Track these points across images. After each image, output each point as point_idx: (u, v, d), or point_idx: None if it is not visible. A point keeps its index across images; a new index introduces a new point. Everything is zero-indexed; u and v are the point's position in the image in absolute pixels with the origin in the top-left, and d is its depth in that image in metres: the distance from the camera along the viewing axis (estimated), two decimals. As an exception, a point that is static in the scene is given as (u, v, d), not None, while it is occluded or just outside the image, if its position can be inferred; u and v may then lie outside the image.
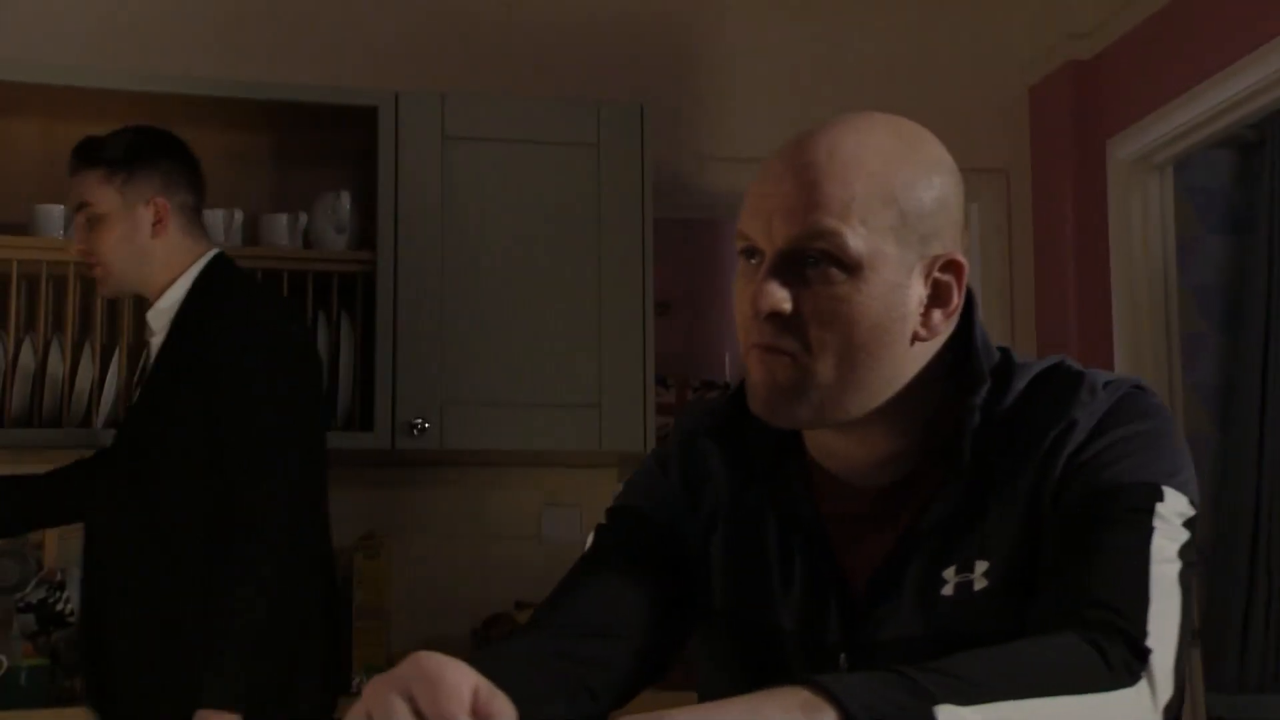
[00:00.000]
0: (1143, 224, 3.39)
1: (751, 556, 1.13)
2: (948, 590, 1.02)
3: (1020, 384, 1.07)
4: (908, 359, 1.04)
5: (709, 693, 1.15)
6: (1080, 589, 0.95)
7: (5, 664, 2.74)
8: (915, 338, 1.04)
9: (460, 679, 0.79)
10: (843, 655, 1.06)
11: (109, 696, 2.27)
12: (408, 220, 3.02)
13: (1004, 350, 1.11)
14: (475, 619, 3.14)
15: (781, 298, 1.00)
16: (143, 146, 2.34)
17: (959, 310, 1.05)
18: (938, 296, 1.04)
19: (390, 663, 3.02)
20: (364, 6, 3.36)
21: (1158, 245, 3.39)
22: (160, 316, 2.33)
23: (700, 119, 3.48)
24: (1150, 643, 0.92)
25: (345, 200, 3.07)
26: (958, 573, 1.02)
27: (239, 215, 3.05)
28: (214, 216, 3.01)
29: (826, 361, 1.01)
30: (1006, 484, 1.03)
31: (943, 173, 1.04)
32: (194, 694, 2.07)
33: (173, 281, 2.32)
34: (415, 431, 2.96)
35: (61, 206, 2.94)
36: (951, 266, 1.04)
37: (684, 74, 3.50)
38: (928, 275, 1.04)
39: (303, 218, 3.08)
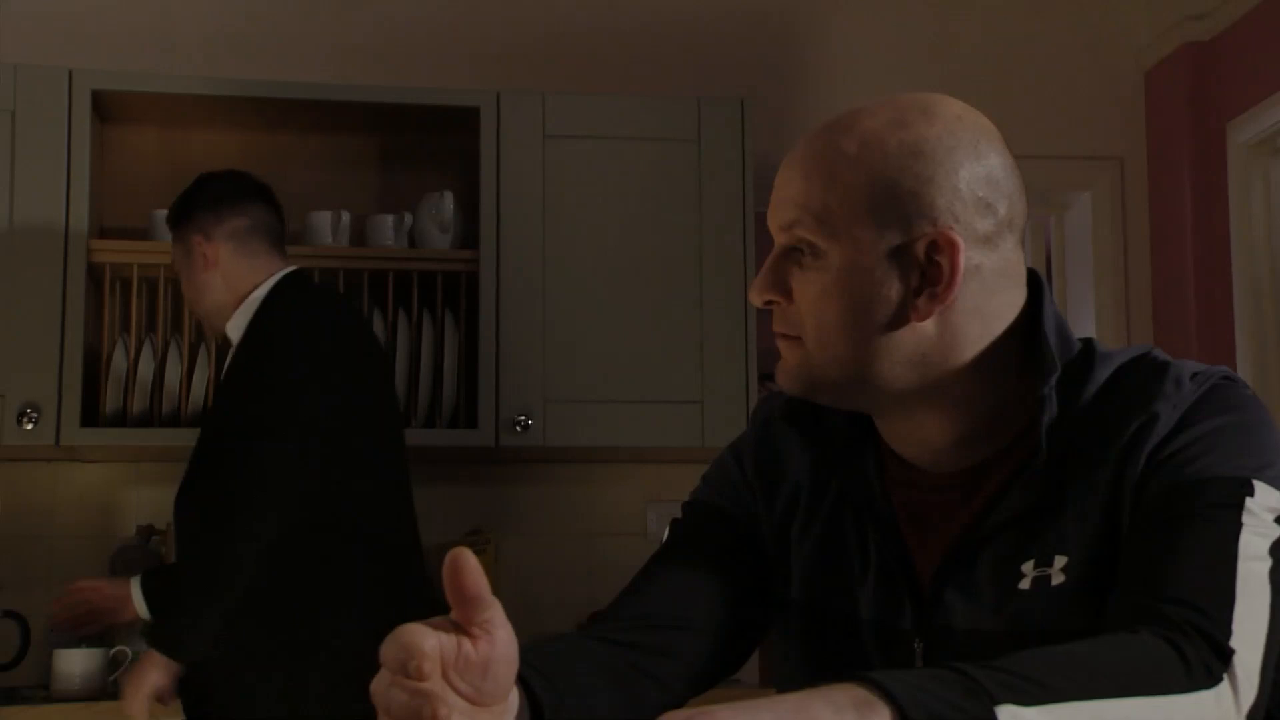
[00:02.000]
0: (1265, 210, 3.26)
1: (830, 543, 1.12)
2: (1025, 584, 1.00)
3: (1103, 374, 1.04)
4: (903, 340, 1.02)
5: (786, 685, 1.14)
6: (1160, 587, 0.91)
7: (130, 655, 2.84)
8: (906, 319, 1.01)
9: (420, 633, 0.77)
10: (918, 642, 1.05)
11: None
12: (510, 219, 3.05)
13: (1087, 341, 1.07)
14: (580, 615, 3.16)
15: (758, 291, 1.05)
16: (183, 200, 2.51)
17: (954, 287, 1.01)
18: (928, 276, 1.01)
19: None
20: (465, 9, 3.40)
21: (1282, 232, 3.27)
22: (235, 332, 2.44)
23: (802, 112, 3.44)
24: (1234, 643, 0.88)
25: (449, 200, 3.11)
26: (1036, 566, 1.00)
27: (346, 216, 3.11)
28: (321, 218, 3.08)
29: (811, 344, 1.04)
30: (1086, 478, 1.00)
31: (931, 152, 1.01)
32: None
33: (242, 301, 2.44)
34: (519, 428, 2.99)
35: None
36: (940, 245, 1.01)
37: (785, 67, 3.48)
38: (912, 255, 1.01)
39: (408, 218, 3.13)
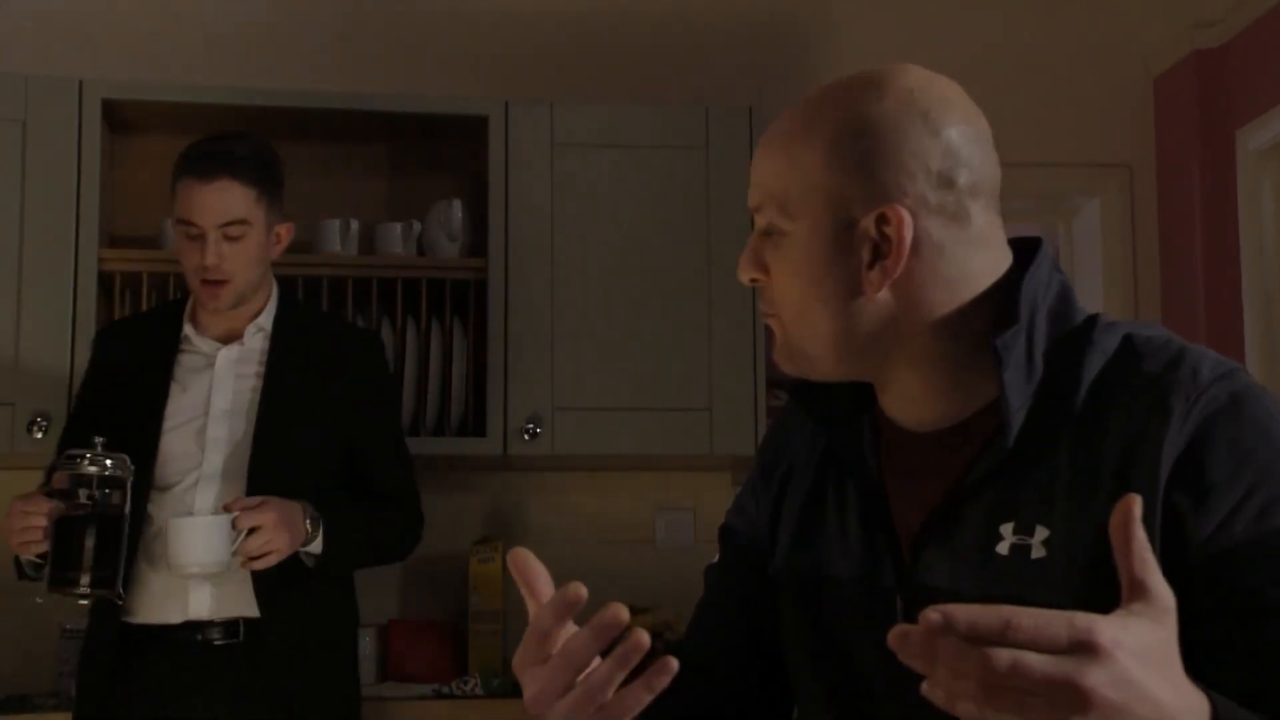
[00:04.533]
0: (1275, 217, 3.26)
1: (812, 504, 1.14)
2: (1003, 549, 0.99)
3: (1108, 343, 1.01)
4: (864, 311, 1.04)
5: (789, 654, 1.16)
6: None
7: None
8: (862, 292, 1.03)
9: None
10: (899, 599, 1.05)
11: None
12: (518, 227, 3.06)
13: (1096, 315, 1.05)
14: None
15: (741, 269, 1.09)
16: (276, 166, 2.37)
17: (900, 260, 1.02)
18: (880, 249, 1.03)
19: (506, 666, 3.06)
20: (474, 18, 3.41)
21: (1292, 239, 3.26)
22: (257, 330, 2.39)
23: (811, 120, 3.44)
24: None
25: (457, 208, 3.12)
26: (1015, 532, 0.99)
27: (355, 224, 3.12)
28: (330, 226, 3.09)
29: (785, 318, 1.08)
30: (1083, 453, 0.98)
31: (875, 130, 1.02)
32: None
33: (269, 299, 2.42)
34: (527, 436, 2.99)
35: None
36: (888, 218, 1.02)
37: (793, 75, 3.48)
38: (862, 231, 1.03)
39: (416, 226, 3.13)
